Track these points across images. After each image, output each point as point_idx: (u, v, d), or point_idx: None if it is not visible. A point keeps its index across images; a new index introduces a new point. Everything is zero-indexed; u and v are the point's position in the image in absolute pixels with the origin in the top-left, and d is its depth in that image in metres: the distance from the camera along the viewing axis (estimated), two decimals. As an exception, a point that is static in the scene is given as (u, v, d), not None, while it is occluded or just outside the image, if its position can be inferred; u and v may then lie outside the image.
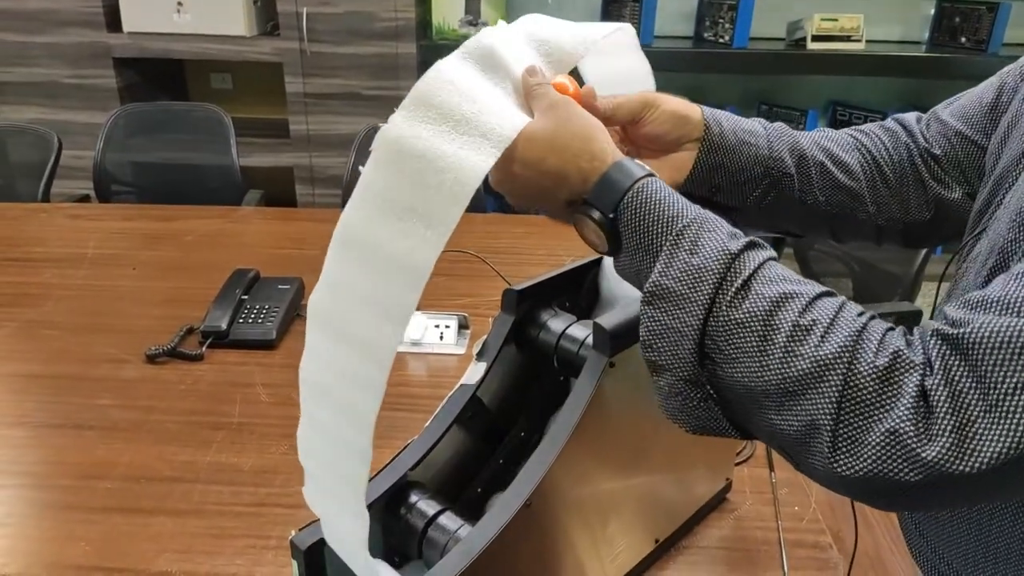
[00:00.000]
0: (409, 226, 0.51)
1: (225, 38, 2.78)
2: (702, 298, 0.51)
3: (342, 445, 0.54)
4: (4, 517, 0.91)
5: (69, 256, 1.60)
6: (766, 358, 0.48)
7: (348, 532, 0.57)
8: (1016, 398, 0.43)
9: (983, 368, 0.44)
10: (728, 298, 0.50)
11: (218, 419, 1.08)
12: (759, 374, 0.49)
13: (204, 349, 1.23)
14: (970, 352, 0.44)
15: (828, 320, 0.48)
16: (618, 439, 0.72)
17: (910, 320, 1.67)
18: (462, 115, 0.54)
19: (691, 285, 0.51)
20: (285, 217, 1.93)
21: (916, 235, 0.79)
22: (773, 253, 0.53)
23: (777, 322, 0.49)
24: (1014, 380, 0.43)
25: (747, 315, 0.49)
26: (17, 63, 2.85)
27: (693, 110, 0.71)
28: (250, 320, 1.27)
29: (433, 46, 2.84)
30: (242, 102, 3.19)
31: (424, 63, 2.85)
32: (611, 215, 0.55)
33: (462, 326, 1.30)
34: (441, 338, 1.27)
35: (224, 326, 1.25)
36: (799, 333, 0.48)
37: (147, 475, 0.97)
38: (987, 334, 0.44)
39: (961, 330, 0.45)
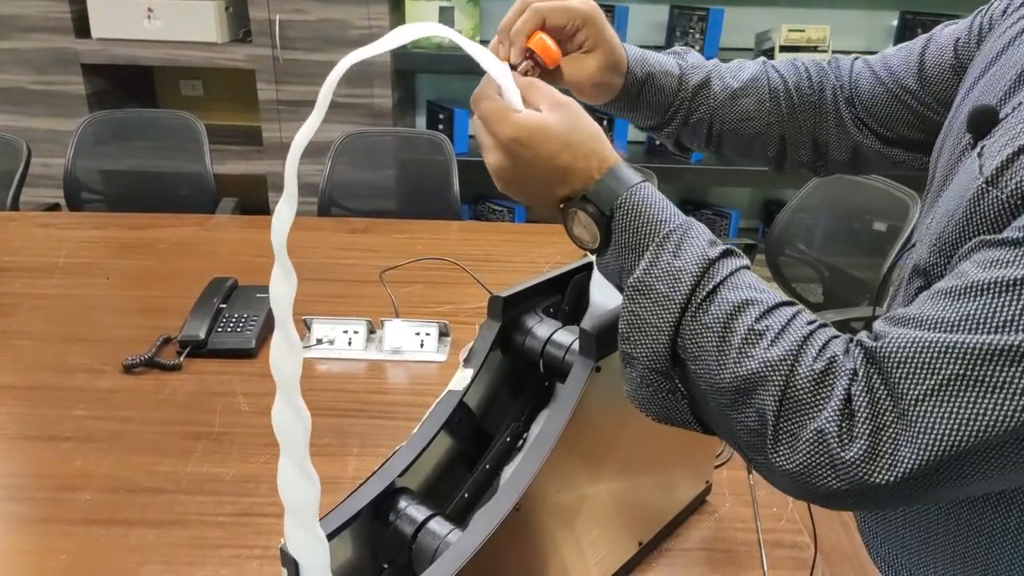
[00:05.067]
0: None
1: (196, 44, 2.75)
2: (679, 297, 0.54)
3: (291, 472, 0.56)
4: (-20, 531, 0.89)
5: (40, 265, 1.57)
6: (723, 357, 0.52)
7: (312, 556, 0.59)
8: (921, 406, 0.46)
9: (894, 379, 0.47)
10: (699, 300, 0.54)
11: (198, 429, 1.07)
12: (717, 372, 0.52)
13: (182, 359, 1.22)
14: (884, 363, 0.48)
15: (780, 326, 0.52)
16: (603, 442, 0.73)
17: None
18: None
19: (671, 284, 0.54)
20: (261, 225, 1.92)
21: (831, 170, 0.86)
22: (747, 262, 0.57)
23: (735, 325, 0.52)
24: (920, 390, 0.46)
25: (712, 317, 0.53)
26: (-19, 69, 2.80)
27: (619, 70, 0.76)
28: (228, 329, 1.26)
29: (407, 54, 2.84)
30: (212, 109, 3.16)
31: (398, 71, 2.85)
32: (607, 212, 0.57)
33: (443, 333, 1.30)
34: (422, 346, 1.27)
35: (202, 335, 1.24)
36: (752, 336, 0.52)
37: (127, 486, 0.96)
38: (897, 347, 0.48)
39: (877, 343, 0.49)
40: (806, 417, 0.49)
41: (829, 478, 0.48)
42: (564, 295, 0.83)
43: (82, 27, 2.76)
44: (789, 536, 0.91)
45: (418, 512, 0.68)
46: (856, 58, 0.84)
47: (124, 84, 3.02)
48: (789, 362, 0.50)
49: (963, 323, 0.46)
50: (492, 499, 0.65)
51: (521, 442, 0.78)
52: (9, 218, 1.89)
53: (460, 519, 0.73)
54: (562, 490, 0.70)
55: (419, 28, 0.58)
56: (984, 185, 0.52)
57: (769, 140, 0.83)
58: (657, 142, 3.08)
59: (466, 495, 0.76)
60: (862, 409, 0.48)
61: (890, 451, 0.47)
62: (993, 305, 0.46)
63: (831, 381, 0.49)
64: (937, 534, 0.68)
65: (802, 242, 2.12)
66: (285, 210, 0.52)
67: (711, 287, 0.53)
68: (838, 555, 0.87)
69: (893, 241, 1.84)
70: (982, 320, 0.46)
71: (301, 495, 0.56)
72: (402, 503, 0.69)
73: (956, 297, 0.48)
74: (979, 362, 0.45)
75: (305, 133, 0.52)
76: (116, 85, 2.98)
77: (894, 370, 0.47)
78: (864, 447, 0.47)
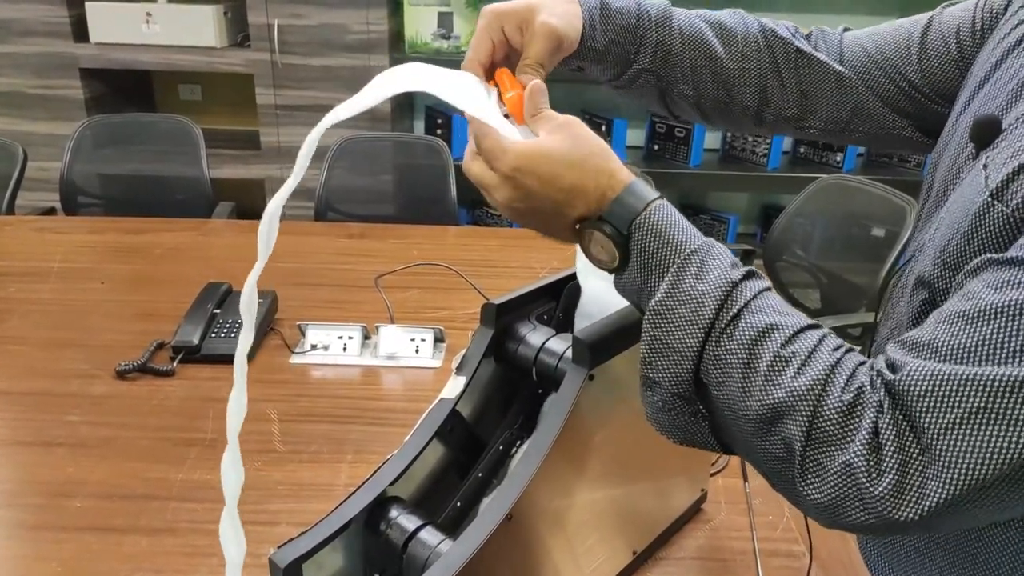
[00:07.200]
0: None
1: (195, 49, 2.75)
2: (703, 321, 0.53)
3: (227, 454, 0.62)
4: (-30, 538, 0.89)
5: (35, 270, 1.57)
6: (749, 384, 0.51)
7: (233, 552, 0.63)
8: (944, 440, 0.45)
9: (915, 413, 0.47)
10: (723, 325, 0.52)
11: (191, 435, 1.07)
12: (742, 399, 0.51)
13: (175, 364, 1.21)
14: (904, 397, 0.47)
15: (807, 353, 0.51)
16: (597, 451, 0.72)
17: (873, 332, 1.71)
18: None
19: (694, 308, 0.53)
20: (257, 230, 1.91)
21: (822, 130, 0.80)
22: (768, 284, 0.56)
23: (761, 351, 0.51)
24: (941, 423, 0.46)
25: (736, 343, 0.52)
26: (-21, 73, 2.80)
27: (573, 30, 0.69)
28: (222, 335, 1.26)
29: (406, 59, 2.84)
30: (211, 113, 3.16)
31: (396, 76, 2.86)
32: (625, 232, 0.56)
33: (438, 339, 1.30)
34: (417, 352, 1.27)
35: (196, 341, 1.23)
36: (779, 364, 0.50)
37: (119, 493, 0.96)
38: (915, 380, 0.47)
39: (896, 376, 0.48)
40: (834, 449, 0.48)
41: (857, 511, 0.48)
42: (558, 302, 0.83)
43: (80, 31, 2.76)
44: (785, 545, 0.90)
45: (409, 521, 0.67)
46: (845, 29, 0.80)
47: (123, 89, 3.02)
48: (817, 391, 0.49)
49: (978, 350, 0.46)
50: (484, 508, 0.64)
51: (514, 450, 0.77)
52: (4, 222, 1.89)
53: (452, 528, 0.72)
54: (555, 499, 0.69)
55: (402, 79, 0.59)
56: (989, 199, 0.52)
57: (746, 81, 0.77)
58: (656, 147, 3.09)
59: (458, 504, 0.75)
60: (889, 443, 0.47)
61: (917, 485, 0.46)
62: (1008, 330, 0.46)
63: (859, 413, 0.48)
64: (936, 548, 0.67)
65: (800, 247, 2.12)
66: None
67: (735, 311, 0.52)
68: (834, 565, 0.86)
69: (891, 247, 1.84)
70: (998, 346, 0.46)
71: (232, 481, 0.63)
72: (393, 512, 0.68)
73: (969, 321, 0.48)
74: (999, 395, 0.45)
75: (281, 197, 0.56)
76: (115, 90, 2.98)
77: (914, 404, 0.47)
78: (892, 482, 0.46)
